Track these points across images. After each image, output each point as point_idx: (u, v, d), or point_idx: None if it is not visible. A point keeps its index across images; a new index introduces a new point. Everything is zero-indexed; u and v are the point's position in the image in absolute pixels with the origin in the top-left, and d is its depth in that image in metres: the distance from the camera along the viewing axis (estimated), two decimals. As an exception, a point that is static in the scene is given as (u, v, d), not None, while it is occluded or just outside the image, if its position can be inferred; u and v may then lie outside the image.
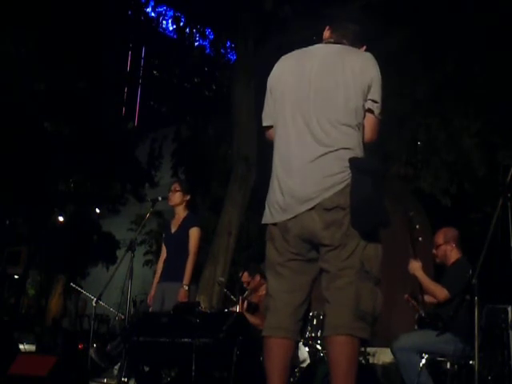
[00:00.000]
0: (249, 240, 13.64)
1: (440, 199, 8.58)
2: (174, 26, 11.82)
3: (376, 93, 2.45)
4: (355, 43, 2.56)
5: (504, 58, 7.25)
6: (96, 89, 12.57)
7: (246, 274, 5.77)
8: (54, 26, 10.40)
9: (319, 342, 5.92)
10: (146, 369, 4.20)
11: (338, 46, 2.54)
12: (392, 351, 4.17)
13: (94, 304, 5.06)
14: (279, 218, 2.43)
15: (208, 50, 12.21)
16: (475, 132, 7.90)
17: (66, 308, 20.58)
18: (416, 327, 4.35)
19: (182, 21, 11.57)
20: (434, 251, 4.42)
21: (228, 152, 10.39)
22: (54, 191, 14.72)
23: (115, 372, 5.26)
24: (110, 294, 6.30)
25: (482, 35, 7.30)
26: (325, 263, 2.39)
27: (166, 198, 5.07)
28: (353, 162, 2.34)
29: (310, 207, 2.34)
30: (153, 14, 12.76)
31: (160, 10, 12.62)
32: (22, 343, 6.26)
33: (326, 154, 2.35)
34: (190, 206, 5.12)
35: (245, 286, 5.70)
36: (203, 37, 11.72)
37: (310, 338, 5.96)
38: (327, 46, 2.56)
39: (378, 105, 2.46)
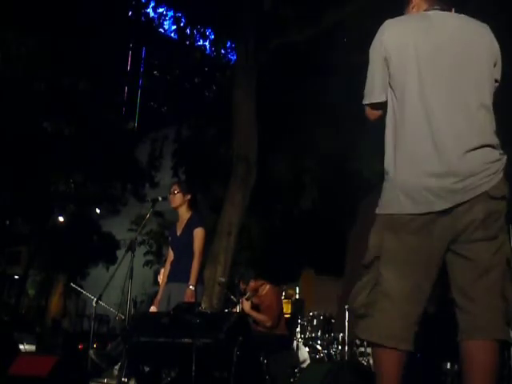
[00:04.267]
0: (250, 240, 13.65)
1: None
2: (175, 27, 11.86)
3: (499, 72, 2.24)
4: (450, 8, 2.28)
5: (504, 58, 7.23)
6: (96, 89, 12.59)
7: (241, 283, 5.97)
8: (54, 26, 10.42)
9: (319, 342, 5.92)
10: (146, 369, 4.19)
11: (457, 14, 2.25)
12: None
13: (94, 304, 5.05)
14: (428, 207, 2.05)
15: (208, 51, 12.24)
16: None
17: (65, 308, 20.62)
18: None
19: (182, 21, 11.58)
20: None
21: (228, 152, 10.38)
22: (54, 191, 14.73)
23: (115, 372, 5.25)
24: (110, 294, 6.31)
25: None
26: (472, 253, 2.08)
27: (166, 198, 5.04)
28: None
29: (476, 195, 2.04)
30: (153, 15, 12.79)
31: (160, 10, 12.64)
32: (22, 343, 6.25)
33: (479, 136, 2.11)
34: (192, 205, 5.10)
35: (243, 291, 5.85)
36: (203, 37, 11.74)
37: (310, 338, 5.97)
38: (447, 14, 2.24)
39: (497, 85, 2.24)
